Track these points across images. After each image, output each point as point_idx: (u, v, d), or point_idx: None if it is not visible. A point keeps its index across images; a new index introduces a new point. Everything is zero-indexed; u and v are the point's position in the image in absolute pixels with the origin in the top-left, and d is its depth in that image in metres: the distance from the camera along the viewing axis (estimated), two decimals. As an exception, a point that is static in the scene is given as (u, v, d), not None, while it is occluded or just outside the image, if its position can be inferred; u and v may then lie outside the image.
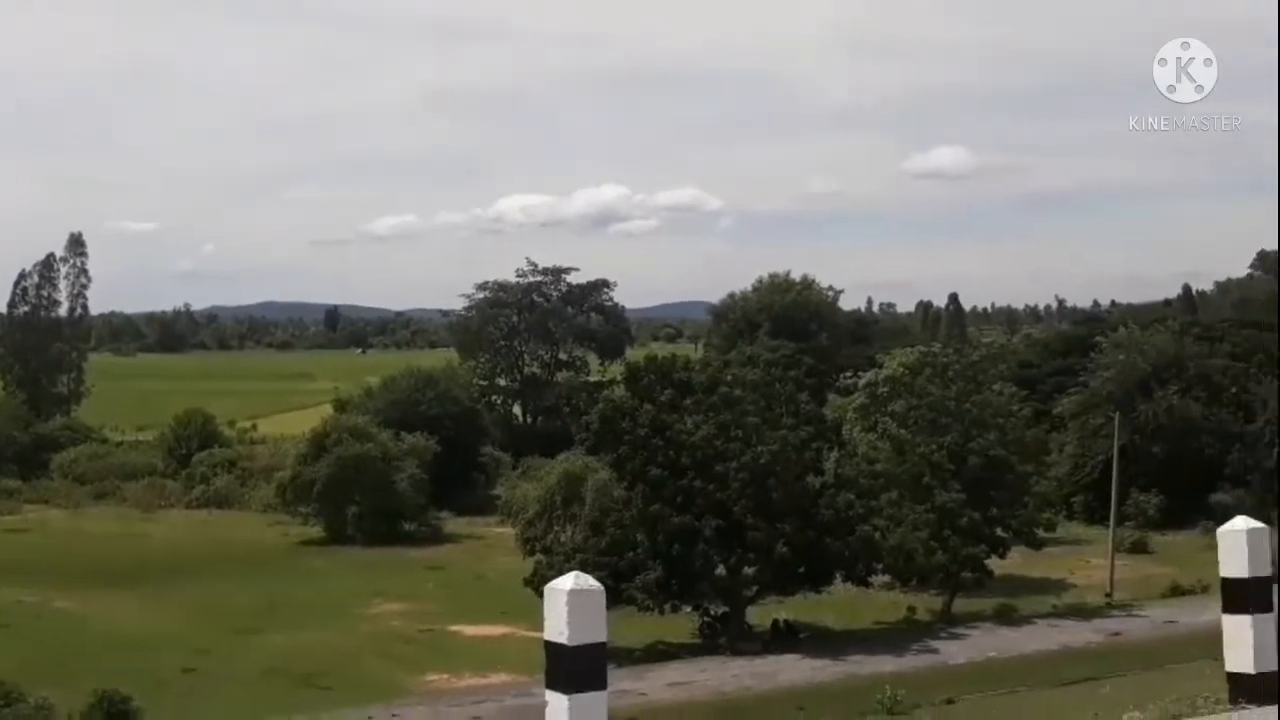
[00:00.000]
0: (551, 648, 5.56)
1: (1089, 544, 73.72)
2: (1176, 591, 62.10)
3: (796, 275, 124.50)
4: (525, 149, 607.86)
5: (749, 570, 56.42)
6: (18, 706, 43.35)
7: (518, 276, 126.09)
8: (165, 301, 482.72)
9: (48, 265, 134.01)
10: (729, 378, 61.97)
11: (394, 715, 46.14)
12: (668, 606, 55.71)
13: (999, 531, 62.15)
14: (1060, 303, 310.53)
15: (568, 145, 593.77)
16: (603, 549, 55.64)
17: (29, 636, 57.20)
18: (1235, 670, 8.97)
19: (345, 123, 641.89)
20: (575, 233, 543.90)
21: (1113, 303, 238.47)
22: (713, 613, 57.33)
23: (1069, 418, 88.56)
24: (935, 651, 54.12)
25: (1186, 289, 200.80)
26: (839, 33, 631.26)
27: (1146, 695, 10.31)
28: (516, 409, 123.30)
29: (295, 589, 67.95)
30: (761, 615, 57.87)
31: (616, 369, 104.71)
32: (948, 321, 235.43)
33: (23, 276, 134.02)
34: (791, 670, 51.51)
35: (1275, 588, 9.32)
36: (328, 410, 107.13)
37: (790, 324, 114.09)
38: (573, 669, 5.54)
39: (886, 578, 61.46)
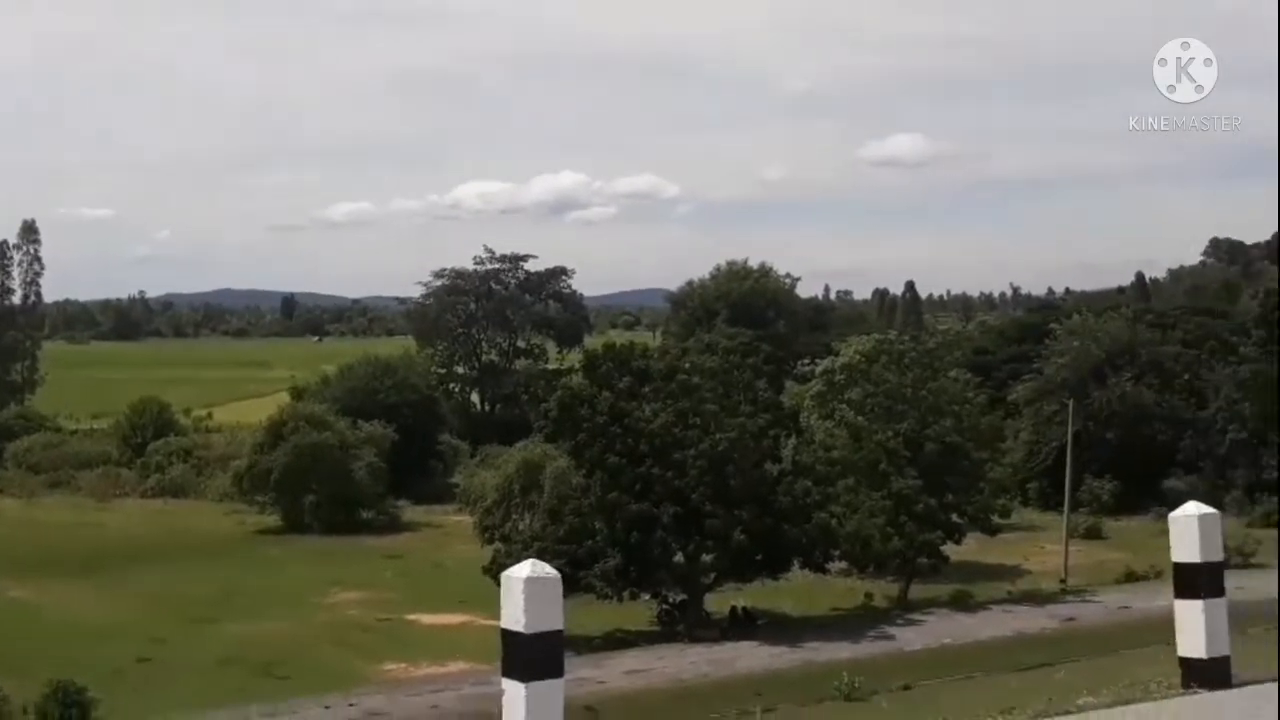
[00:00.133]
0: (508, 635, 5.53)
1: (1043, 530, 74.13)
2: (1130, 577, 62.45)
3: (754, 263, 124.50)
4: (482, 135, 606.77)
5: (707, 557, 56.49)
6: (-29, 697, 42.95)
7: (475, 264, 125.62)
8: (120, 289, 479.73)
9: (0, 253, 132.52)
10: (687, 365, 62.02)
11: (351, 704, 45.96)
12: (626, 594, 55.76)
13: (955, 518, 62.51)
14: (1015, 290, 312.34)
15: (525, 132, 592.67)
16: (561, 537, 55.62)
17: (-18, 627, 56.59)
18: (1187, 655, 9.03)
19: (300, 108, 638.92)
20: (533, 220, 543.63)
21: (1067, 290, 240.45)
22: (671, 600, 57.32)
23: (1024, 404, 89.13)
24: (892, 638, 54.24)
25: (1140, 276, 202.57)
26: (795, 19, 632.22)
27: (1100, 680, 10.37)
28: (474, 397, 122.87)
29: (252, 578, 67.52)
30: (719, 602, 57.87)
31: (575, 357, 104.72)
32: (904, 309, 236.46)
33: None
34: (749, 657, 51.56)
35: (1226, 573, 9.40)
36: (284, 398, 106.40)
37: (748, 311, 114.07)
38: (529, 657, 5.50)
39: (843, 564, 61.71)
